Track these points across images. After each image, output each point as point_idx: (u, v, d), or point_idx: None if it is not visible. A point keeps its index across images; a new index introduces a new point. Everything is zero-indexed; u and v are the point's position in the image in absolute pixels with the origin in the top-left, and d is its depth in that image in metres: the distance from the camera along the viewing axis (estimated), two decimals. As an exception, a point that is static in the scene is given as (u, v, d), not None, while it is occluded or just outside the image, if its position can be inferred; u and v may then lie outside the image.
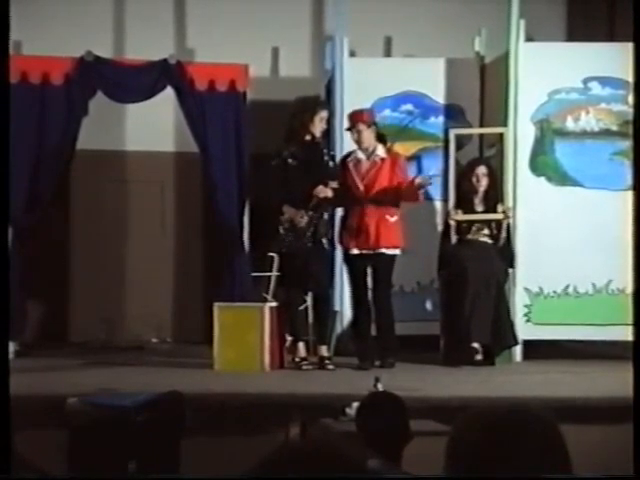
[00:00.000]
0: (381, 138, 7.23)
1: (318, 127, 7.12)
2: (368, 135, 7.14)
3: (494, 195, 7.54)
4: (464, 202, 7.51)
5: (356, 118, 7.18)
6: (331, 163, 7.21)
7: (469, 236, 7.52)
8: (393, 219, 7.08)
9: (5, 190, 3.54)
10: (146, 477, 3.32)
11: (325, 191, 6.98)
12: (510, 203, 7.56)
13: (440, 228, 7.80)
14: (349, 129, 7.22)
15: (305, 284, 7.14)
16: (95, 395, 5.17)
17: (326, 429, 5.07)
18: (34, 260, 7.90)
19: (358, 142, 7.17)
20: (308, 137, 7.13)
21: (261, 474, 1.73)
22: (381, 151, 7.17)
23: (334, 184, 7.03)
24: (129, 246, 9.05)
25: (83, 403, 4.73)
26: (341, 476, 1.71)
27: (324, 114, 7.20)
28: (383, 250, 7.06)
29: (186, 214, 9.04)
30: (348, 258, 7.21)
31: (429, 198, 8.10)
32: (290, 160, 7.08)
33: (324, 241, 7.10)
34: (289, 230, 7.06)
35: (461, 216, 7.46)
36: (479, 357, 7.26)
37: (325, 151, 7.23)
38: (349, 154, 7.27)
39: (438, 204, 8.08)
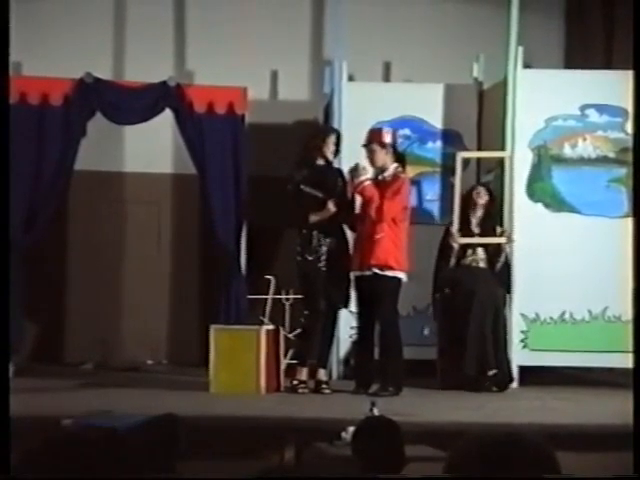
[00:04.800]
0: (399, 160, 7.21)
1: (331, 149, 7.17)
2: (382, 156, 7.14)
3: (492, 219, 7.55)
4: (462, 224, 7.51)
5: (372, 137, 7.20)
6: (343, 185, 7.21)
7: (466, 261, 7.52)
8: (379, 236, 7.00)
9: (5, 211, 3.54)
10: (146, 477, 3.30)
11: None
12: (507, 227, 7.57)
13: (436, 251, 7.80)
14: (365, 146, 7.23)
15: (321, 307, 7.10)
16: (90, 417, 5.15)
17: (321, 453, 5.06)
18: (31, 280, 7.89)
19: (370, 161, 7.18)
20: (321, 161, 7.16)
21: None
22: (388, 173, 7.17)
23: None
24: (125, 267, 9.04)
25: (78, 425, 4.72)
26: (340, 476, 1.72)
27: (334, 137, 7.24)
28: (376, 271, 7.01)
29: (183, 236, 9.04)
30: (354, 281, 7.20)
31: (426, 222, 8.11)
32: (303, 185, 7.10)
33: (337, 265, 7.10)
34: (305, 252, 7.06)
35: (465, 239, 7.46)
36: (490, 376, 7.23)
37: (336, 174, 7.25)
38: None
39: (435, 228, 8.09)
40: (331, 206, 7.06)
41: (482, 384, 7.18)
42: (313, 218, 7.06)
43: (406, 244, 7.14)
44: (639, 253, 5.90)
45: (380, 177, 7.15)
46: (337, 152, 7.28)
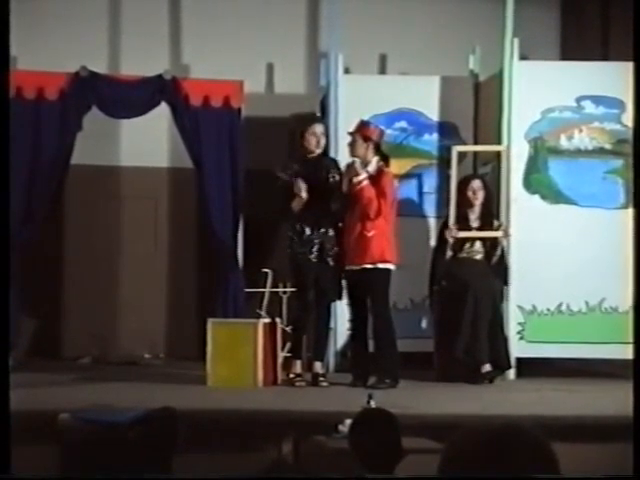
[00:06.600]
0: (382, 157, 7.20)
1: (320, 141, 7.13)
2: (362, 149, 7.14)
3: (490, 211, 7.55)
4: (460, 218, 7.51)
5: (358, 128, 7.20)
6: (337, 177, 7.18)
7: (463, 254, 7.52)
8: (370, 234, 7.01)
9: (5, 207, 3.54)
10: (145, 477, 3.31)
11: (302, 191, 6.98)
12: (504, 221, 7.57)
13: (433, 244, 7.80)
14: (350, 134, 7.21)
15: (310, 299, 7.10)
16: (87, 411, 5.15)
17: (319, 446, 5.06)
18: (27, 275, 7.89)
19: (350, 149, 7.19)
20: (311, 154, 7.13)
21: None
22: (372, 167, 7.16)
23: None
24: (122, 262, 9.04)
25: (75, 419, 4.72)
26: (341, 477, 1.72)
27: (321, 128, 7.21)
28: (367, 266, 7.02)
29: (180, 230, 9.04)
30: (344, 274, 7.19)
31: (423, 215, 8.12)
32: (293, 180, 7.08)
33: (329, 258, 7.09)
34: (296, 244, 7.06)
35: (462, 233, 7.45)
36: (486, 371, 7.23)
37: (329, 165, 7.22)
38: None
39: (432, 220, 8.10)
40: (303, 194, 6.98)
41: (479, 376, 7.18)
42: (296, 203, 7.00)
43: (394, 237, 7.15)
44: (639, 244, 5.89)
45: (364, 173, 7.13)
46: (325, 141, 7.23)
